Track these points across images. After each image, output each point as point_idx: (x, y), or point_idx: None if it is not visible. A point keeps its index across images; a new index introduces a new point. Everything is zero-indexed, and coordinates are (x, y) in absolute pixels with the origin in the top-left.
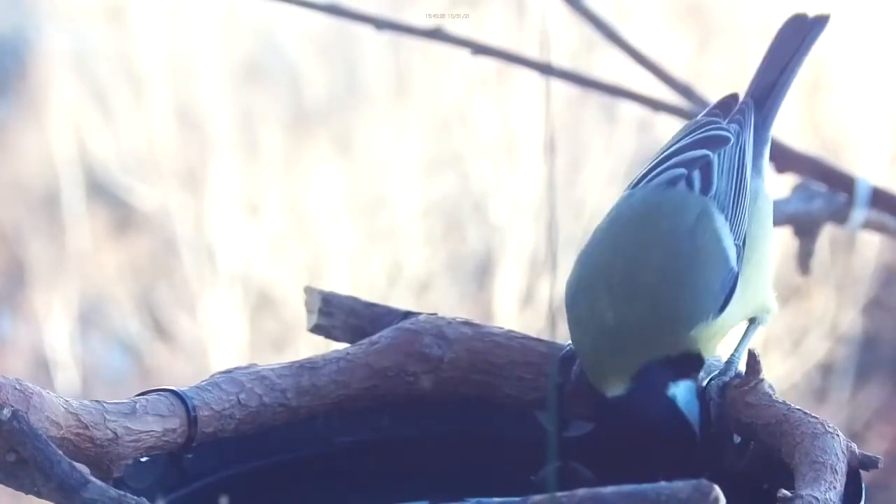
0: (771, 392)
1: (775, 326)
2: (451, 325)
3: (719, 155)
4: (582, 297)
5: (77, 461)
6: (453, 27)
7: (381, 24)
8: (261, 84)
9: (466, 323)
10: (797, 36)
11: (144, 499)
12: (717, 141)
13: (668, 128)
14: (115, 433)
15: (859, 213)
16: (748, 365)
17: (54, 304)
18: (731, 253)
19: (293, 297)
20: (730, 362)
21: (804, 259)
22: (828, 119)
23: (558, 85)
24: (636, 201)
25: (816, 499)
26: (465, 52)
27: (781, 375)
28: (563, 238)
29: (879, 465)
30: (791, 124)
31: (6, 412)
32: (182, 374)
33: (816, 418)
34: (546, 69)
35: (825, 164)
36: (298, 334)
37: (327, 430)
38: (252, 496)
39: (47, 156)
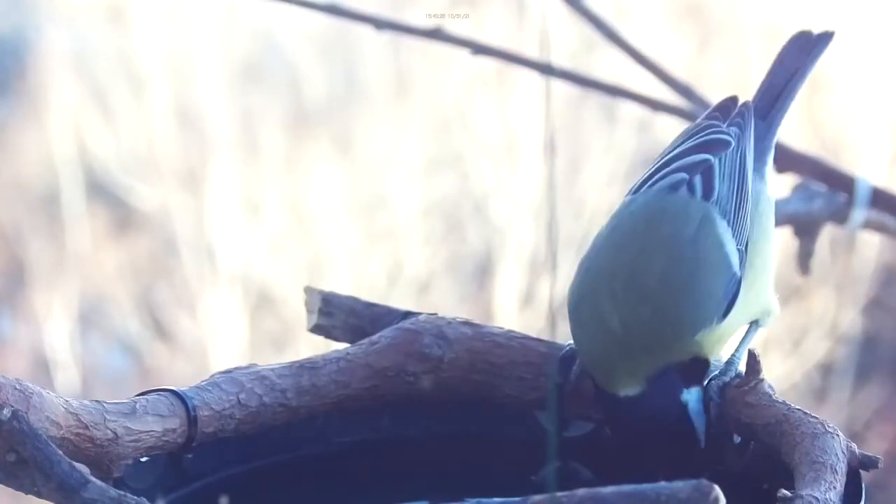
0: (771, 392)
1: (775, 326)
2: (451, 325)
3: (720, 159)
4: (585, 303)
5: (77, 461)
6: (453, 27)
7: (381, 24)
8: (261, 84)
9: (466, 323)
10: (802, 52)
11: (144, 499)
12: (717, 145)
13: (668, 128)
14: (115, 433)
15: (859, 213)
16: (748, 365)
17: (54, 304)
18: (734, 258)
19: (293, 297)
20: (730, 362)
21: (804, 259)
22: (828, 119)
23: (558, 85)
24: (638, 207)
25: (816, 499)
26: (465, 52)
27: (781, 375)
28: (563, 238)
29: (879, 465)
30: (791, 124)
31: (6, 412)
32: (182, 374)
33: (816, 418)
34: (546, 69)
35: (825, 164)
36: (298, 334)
37: (327, 430)
38: (252, 496)
39: (47, 156)
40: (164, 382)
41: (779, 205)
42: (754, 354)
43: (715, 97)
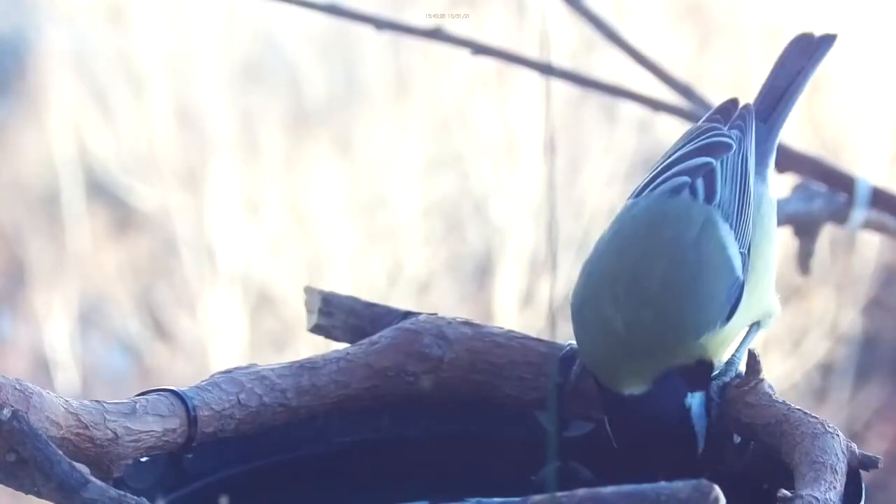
0: (771, 392)
1: (775, 326)
2: (451, 325)
3: (722, 162)
4: (588, 307)
5: (77, 461)
6: (453, 27)
7: (381, 24)
8: (261, 84)
9: (466, 323)
10: (803, 55)
11: (144, 499)
12: (719, 147)
13: (669, 128)
14: (115, 433)
15: (859, 213)
16: (748, 365)
17: (54, 304)
18: (737, 262)
19: (293, 296)
20: (730, 363)
21: (804, 259)
22: (828, 119)
23: (558, 85)
24: (640, 211)
25: (816, 499)
26: (465, 52)
27: (781, 375)
28: (563, 238)
29: (879, 465)
30: (791, 124)
31: (6, 412)
32: (182, 374)
33: (816, 418)
34: (546, 69)
35: (825, 164)
36: (298, 334)
37: (327, 430)
38: (252, 496)
39: (47, 156)
40: (164, 382)
41: (779, 205)
42: (754, 354)
43: (715, 97)
